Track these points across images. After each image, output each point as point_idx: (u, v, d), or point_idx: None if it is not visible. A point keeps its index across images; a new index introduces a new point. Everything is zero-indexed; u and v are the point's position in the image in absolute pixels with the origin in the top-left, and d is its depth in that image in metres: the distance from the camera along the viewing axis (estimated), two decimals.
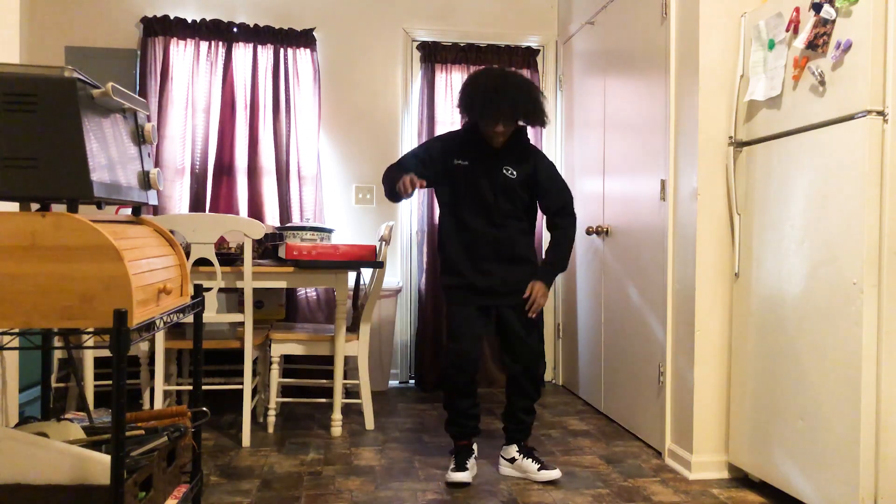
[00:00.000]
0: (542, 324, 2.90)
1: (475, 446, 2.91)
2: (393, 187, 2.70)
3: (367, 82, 4.51)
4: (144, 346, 3.33)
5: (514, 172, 2.78)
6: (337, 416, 3.43)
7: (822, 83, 2.29)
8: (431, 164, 2.81)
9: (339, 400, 3.43)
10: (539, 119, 2.71)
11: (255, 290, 3.46)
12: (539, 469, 2.82)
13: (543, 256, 2.88)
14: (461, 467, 2.78)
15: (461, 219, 2.80)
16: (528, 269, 2.83)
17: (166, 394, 3.45)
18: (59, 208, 1.71)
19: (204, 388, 3.08)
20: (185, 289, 2.01)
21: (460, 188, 2.79)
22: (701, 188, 2.84)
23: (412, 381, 4.60)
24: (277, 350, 3.44)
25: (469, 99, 2.68)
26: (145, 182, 1.94)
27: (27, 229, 1.56)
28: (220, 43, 4.25)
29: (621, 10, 3.64)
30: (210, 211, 4.21)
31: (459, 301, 2.82)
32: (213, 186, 4.24)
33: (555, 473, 2.81)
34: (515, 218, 2.81)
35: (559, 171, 2.97)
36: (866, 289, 2.13)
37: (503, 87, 2.64)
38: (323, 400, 3.62)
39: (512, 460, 2.88)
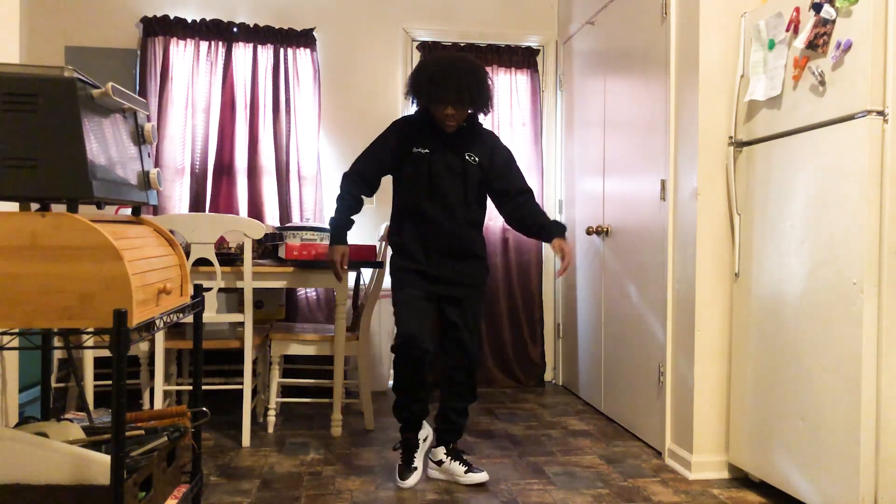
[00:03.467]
0: (480, 328, 2.84)
1: (421, 441, 2.87)
2: (335, 215, 2.84)
3: (367, 82, 4.51)
4: (144, 346, 3.33)
5: (477, 158, 2.75)
6: (337, 416, 3.43)
7: (822, 83, 2.29)
8: (391, 155, 2.80)
9: (339, 400, 3.43)
10: (484, 104, 2.69)
11: (255, 290, 3.46)
12: (466, 472, 2.77)
13: (541, 221, 2.78)
14: (408, 468, 2.74)
15: (419, 209, 2.75)
16: (479, 264, 2.81)
17: (166, 394, 3.45)
18: (59, 208, 1.71)
19: (204, 388, 3.09)
20: (185, 289, 2.00)
21: (421, 177, 2.74)
22: (701, 188, 2.84)
23: None
24: (277, 350, 3.44)
25: (418, 83, 2.67)
26: (145, 182, 1.94)
27: (27, 229, 1.56)
28: (220, 43, 4.26)
29: (621, 10, 3.64)
30: (210, 211, 4.21)
31: (409, 284, 2.75)
32: (213, 186, 4.24)
33: (481, 476, 2.76)
34: (473, 208, 2.78)
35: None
36: (866, 289, 2.13)
37: (452, 70, 2.63)
38: (323, 400, 3.62)
39: (440, 462, 2.83)
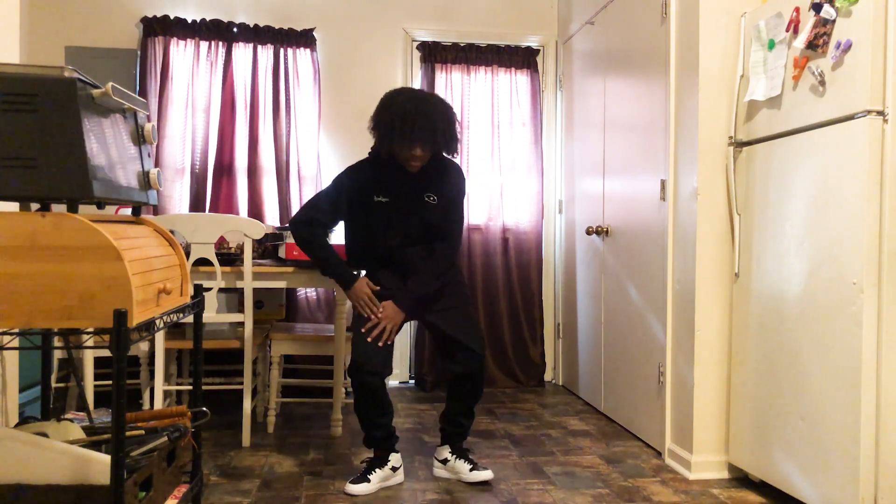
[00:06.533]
0: (477, 321, 2.76)
1: (388, 466, 2.73)
2: (322, 262, 2.72)
3: (367, 82, 4.51)
4: (144, 346, 3.33)
5: (435, 198, 2.72)
6: (337, 416, 3.43)
7: (822, 83, 2.29)
8: (347, 205, 2.73)
9: (339, 400, 3.43)
10: (453, 146, 2.65)
11: (255, 290, 3.46)
12: (471, 470, 2.77)
13: (413, 277, 2.72)
14: (363, 478, 2.66)
15: (381, 254, 2.74)
16: (453, 277, 2.81)
17: (166, 394, 3.45)
18: (59, 208, 1.71)
19: (204, 388, 3.08)
20: (185, 289, 2.00)
21: (380, 225, 2.71)
22: (701, 188, 2.84)
23: (412, 381, 4.60)
24: (277, 350, 3.44)
25: (387, 121, 2.58)
26: (145, 182, 1.94)
27: (27, 229, 1.56)
28: (220, 43, 4.26)
29: (621, 10, 3.64)
30: (210, 211, 4.21)
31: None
32: (213, 186, 4.24)
33: (486, 474, 2.75)
34: (441, 240, 2.75)
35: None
36: (866, 289, 2.13)
37: (422, 109, 2.55)
38: (323, 400, 3.62)
39: (444, 461, 2.83)
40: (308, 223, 2.74)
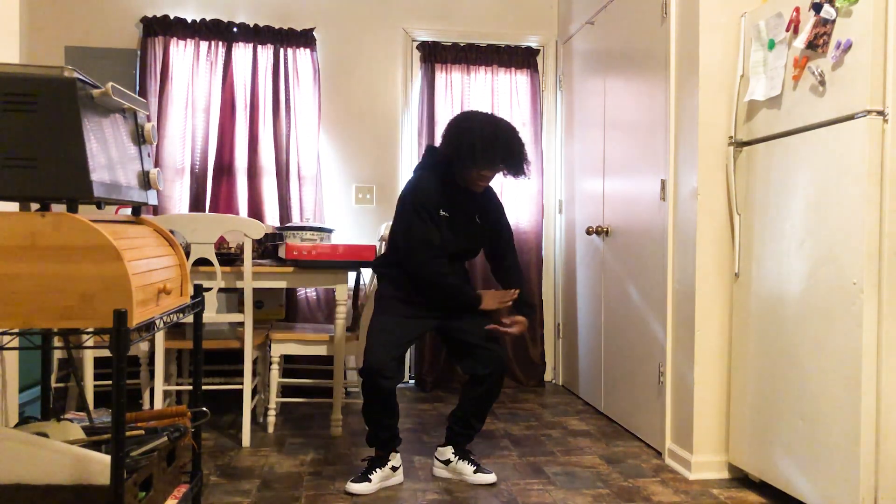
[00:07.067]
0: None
1: (389, 466, 2.73)
2: (453, 292, 2.75)
3: (367, 82, 4.51)
4: (144, 346, 3.33)
5: (481, 219, 2.85)
6: (337, 416, 3.43)
7: (822, 83, 2.29)
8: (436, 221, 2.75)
9: (339, 400, 3.43)
10: (525, 169, 2.73)
11: (255, 290, 3.46)
12: (475, 471, 2.78)
13: (522, 299, 2.88)
14: (364, 478, 2.67)
15: None
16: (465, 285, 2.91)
17: (166, 394, 3.45)
18: (59, 208, 1.71)
19: (204, 388, 3.08)
20: (185, 289, 2.00)
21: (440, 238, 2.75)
22: (701, 188, 2.84)
23: (412, 381, 4.60)
24: (277, 350, 3.44)
25: (467, 144, 2.61)
26: (145, 182, 1.94)
27: (27, 229, 1.56)
28: (220, 43, 4.26)
29: (621, 10, 3.64)
30: (210, 211, 4.21)
31: (390, 311, 2.73)
32: (213, 186, 4.24)
33: (490, 477, 2.77)
34: (505, 255, 2.95)
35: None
36: (866, 289, 2.13)
37: (505, 134, 2.65)
38: (323, 400, 3.62)
39: (447, 462, 2.83)
40: (432, 261, 2.70)
